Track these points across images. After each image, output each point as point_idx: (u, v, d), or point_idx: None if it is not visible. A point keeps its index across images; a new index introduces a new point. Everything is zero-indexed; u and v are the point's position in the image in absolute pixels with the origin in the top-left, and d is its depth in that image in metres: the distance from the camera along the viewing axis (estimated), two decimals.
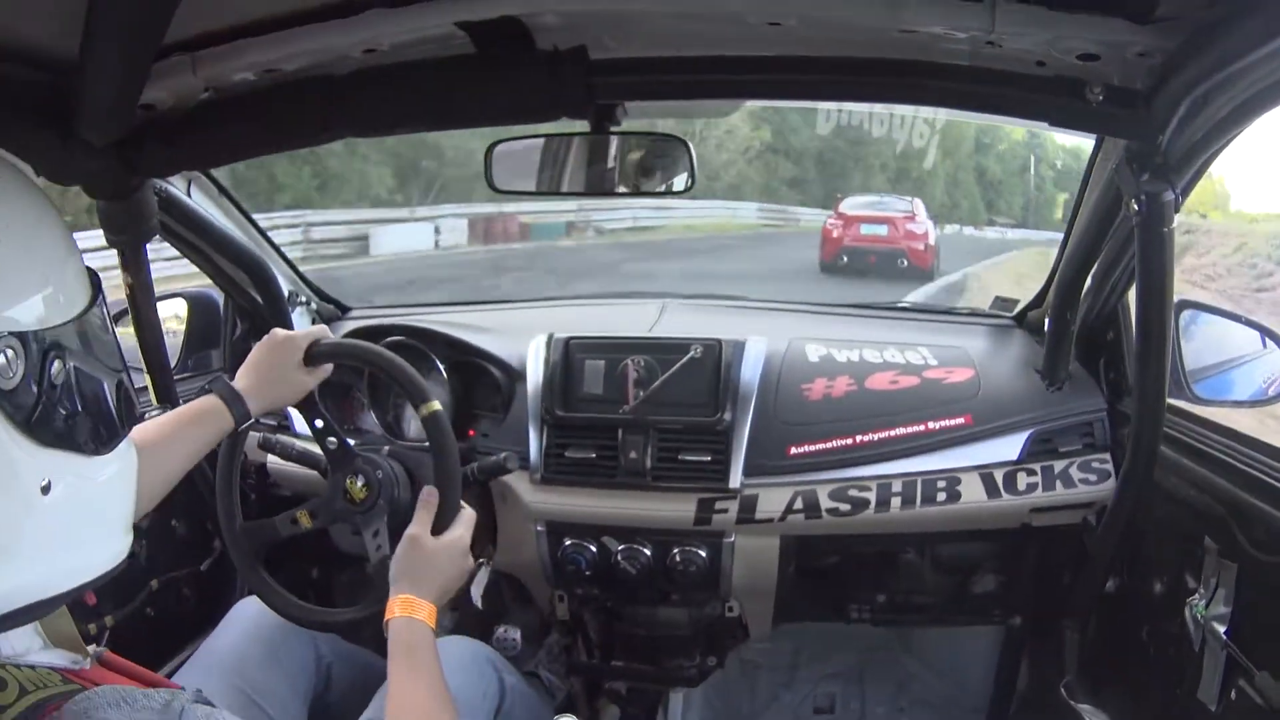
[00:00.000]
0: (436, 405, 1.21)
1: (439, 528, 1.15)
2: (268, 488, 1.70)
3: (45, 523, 0.64)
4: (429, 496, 1.17)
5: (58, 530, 0.65)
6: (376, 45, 1.00)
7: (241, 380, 1.17)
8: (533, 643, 1.71)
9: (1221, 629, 1.13)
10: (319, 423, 1.28)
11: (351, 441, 1.32)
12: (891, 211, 11.47)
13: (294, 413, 1.65)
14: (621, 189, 1.39)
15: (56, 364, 0.64)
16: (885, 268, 10.35)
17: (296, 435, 1.62)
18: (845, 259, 10.71)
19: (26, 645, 0.66)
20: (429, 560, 1.11)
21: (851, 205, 11.93)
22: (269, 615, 1.25)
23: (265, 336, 1.23)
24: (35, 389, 0.63)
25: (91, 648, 0.70)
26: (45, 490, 0.63)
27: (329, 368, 1.25)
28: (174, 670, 1.58)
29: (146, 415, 1.51)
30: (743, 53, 1.04)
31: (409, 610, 1.06)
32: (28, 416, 0.62)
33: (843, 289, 9.24)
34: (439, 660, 1.04)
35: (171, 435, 1.11)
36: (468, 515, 1.18)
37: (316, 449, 1.34)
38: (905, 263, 10.56)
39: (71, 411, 0.65)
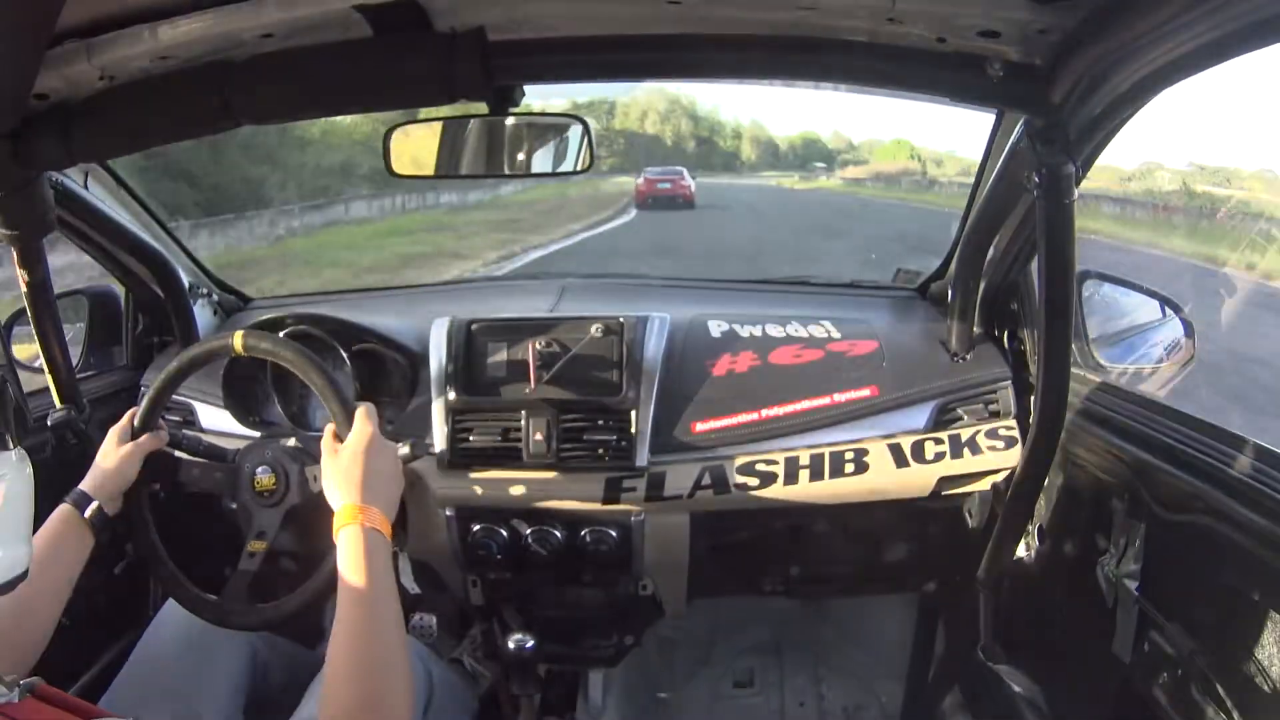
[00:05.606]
0: (239, 332, 1.18)
1: (343, 432, 1.09)
2: (178, 485, 1.60)
3: None
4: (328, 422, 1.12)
5: None
6: (274, 30, 0.94)
7: (88, 482, 1.16)
8: (447, 629, 1.64)
9: (1133, 585, 1.13)
10: (185, 485, 1.27)
11: (233, 449, 1.29)
12: (673, 175, 19.81)
13: (198, 406, 1.55)
14: (522, 170, 1.32)
15: None
16: (669, 203, 18.51)
17: (203, 431, 1.53)
18: (651, 201, 18.61)
19: None
20: (349, 463, 1.05)
21: (650, 173, 20.01)
22: (197, 619, 1.18)
23: None
24: None
25: (23, 680, 0.66)
26: None
27: (149, 434, 1.22)
28: (100, 676, 1.49)
29: (49, 415, 1.43)
30: (643, 32, 0.98)
31: (349, 519, 0.98)
32: None
33: (653, 215, 17.54)
34: (389, 574, 0.96)
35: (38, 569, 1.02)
36: (365, 408, 1.11)
37: (223, 444, 1.32)
38: (681, 200, 18.77)
39: None
